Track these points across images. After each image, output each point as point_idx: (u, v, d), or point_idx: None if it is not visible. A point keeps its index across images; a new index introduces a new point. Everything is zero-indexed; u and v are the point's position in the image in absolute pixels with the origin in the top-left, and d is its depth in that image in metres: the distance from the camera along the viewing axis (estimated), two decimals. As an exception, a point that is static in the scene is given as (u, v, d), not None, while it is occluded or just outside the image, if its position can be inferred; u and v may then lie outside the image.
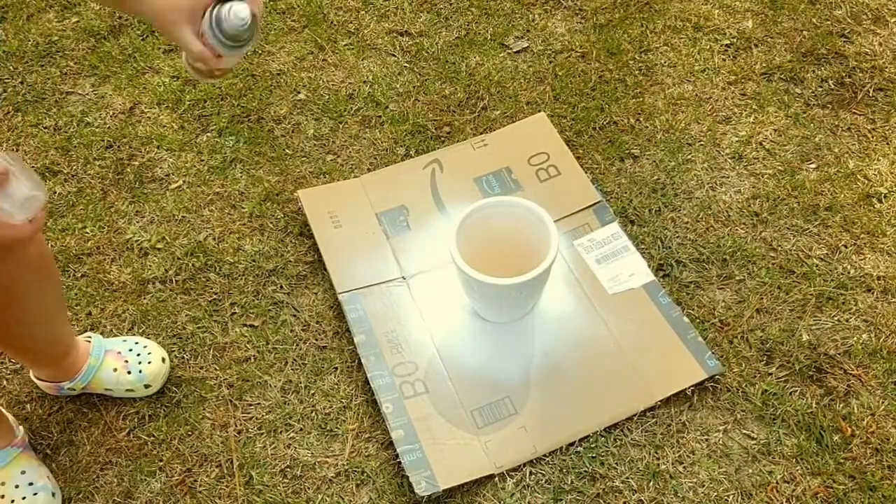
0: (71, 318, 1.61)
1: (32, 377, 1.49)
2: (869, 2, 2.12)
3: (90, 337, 1.49)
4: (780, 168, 1.80)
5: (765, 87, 1.95)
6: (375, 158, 1.86)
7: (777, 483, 1.36)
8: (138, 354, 1.48)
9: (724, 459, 1.40)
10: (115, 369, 1.46)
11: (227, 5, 0.88)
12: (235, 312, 1.62)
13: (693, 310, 1.58)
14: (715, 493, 1.36)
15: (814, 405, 1.44)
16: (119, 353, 1.48)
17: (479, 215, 1.52)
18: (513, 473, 1.39)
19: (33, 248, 1.19)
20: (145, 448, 1.45)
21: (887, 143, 1.83)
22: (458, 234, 1.48)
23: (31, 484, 1.34)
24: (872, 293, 1.58)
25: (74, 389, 1.46)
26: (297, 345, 1.57)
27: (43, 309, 1.30)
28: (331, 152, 1.88)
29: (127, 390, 1.48)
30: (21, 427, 1.41)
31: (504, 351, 1.54)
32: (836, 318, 1.55)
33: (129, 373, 1.46)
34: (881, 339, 1.52)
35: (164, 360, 1.50)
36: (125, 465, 1.43)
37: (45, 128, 1.94)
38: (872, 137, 1.84)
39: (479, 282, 1.42)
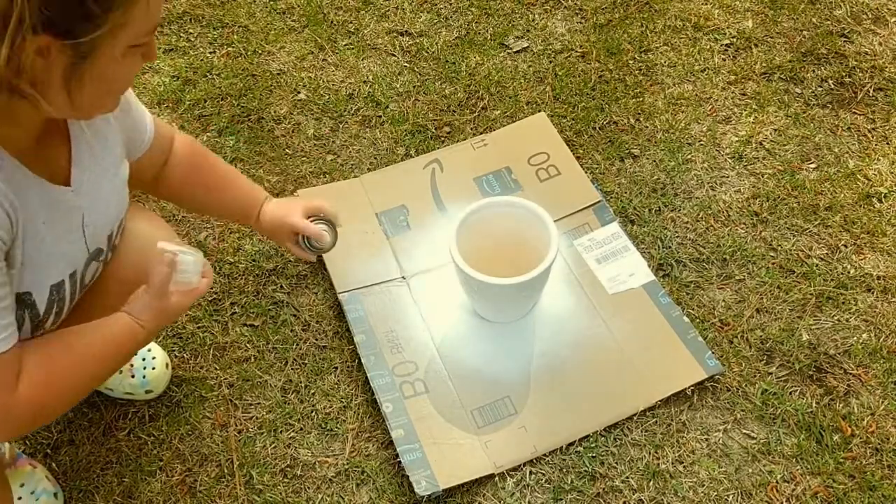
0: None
1: None
2: (869, 2, 2.12)
3: None
4: (780, 168, 1.80)
5: (765, 87, 1.95)
6: (375, 158, 1.86)
7: (777, 483, 1.36)
8: (143, 359, 1.49)
9: (724, 459, 1.40)
10: (121, 371, 1.47)
11: (316, 240, 1.36)
12: (235, 312, 1.62)
13: (693, 310, 1.58)
14: (715, 493, 1.36)
15: (814, 405, 1.44)
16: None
17: (479, 215, 1.52)
18: (513, 473, 1.39)
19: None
20: (145, 448, 1.45)
21: (887, 143, 1.83)
22: (458, 233, 1.48)
23: (32, 492, 1.35)
24: (872, 293, 1.58)
25: None
26: (297, 345, 1.57)
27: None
28: (331, 152, 1.88)
29: (126, 393, 1.48)
30: (5, 446, 1.38)
31: (504, 351, 1.54)
32: (836, 318, 1.55)
33: (132, 377, 1.47)
34: (881, 339, 1.52)
35: (167, 365, 1.50)
36: (125, 465, 1.43)
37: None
38: (872, 137, 1.84)
39: (479, 282, 1.42)
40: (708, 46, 2.05)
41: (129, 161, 1.14)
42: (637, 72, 2.01)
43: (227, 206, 1.37)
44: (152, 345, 1.52)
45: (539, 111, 1.91)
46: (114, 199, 1.10)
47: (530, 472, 1.39)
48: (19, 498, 1.34)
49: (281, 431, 1.46)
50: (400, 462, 1.39)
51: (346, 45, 2.11)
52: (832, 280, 1.60)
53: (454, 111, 1.95)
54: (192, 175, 1.29)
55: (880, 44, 2.02)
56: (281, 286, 1.65)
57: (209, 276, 1.15)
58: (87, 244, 1.05)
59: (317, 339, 1.58)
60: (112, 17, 0.81)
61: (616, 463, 1.39)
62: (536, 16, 2.15)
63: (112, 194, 1.09)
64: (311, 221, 1.36)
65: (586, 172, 1.79)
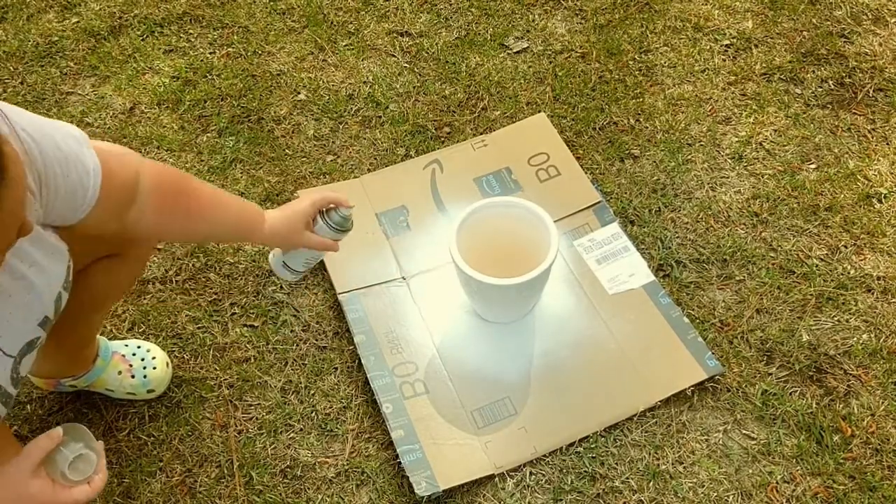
0: (71, 318, 1.62)
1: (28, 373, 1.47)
2: (869, 2, 2.12)
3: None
4: (780, 168, 1.80)
5: (765, 88, 1.95)
6: (375, 158, 1.86)
7: (777, 483, 1.36)
8: (142, 359, 1.49)
9: (724, 459, 1.39)
10: (120, 372, 1.47)
11: (336, 210, 1.26)
12: (235, 312, 1.62)
13: (693, 310, 1.58)
14: (715, 494, 1.36)
15: (814, 405, 1.44)
16: (123, 356, 1.49)
17: (479, 215, 1.52)
18: (513, 473, 1.39)
19: (138, 264, 1.31)
20: (145, 448, 1.45)
21: (887, 144, 1.83)
22: (458, 234, 1.48)
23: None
24: (872, 293, 1.58)
25: (75, 387, 1.46)
26: (297, 345, 1.57)
27: (101, 317, 1.38)
28: (331, 152, 1.88)
29: (128, 393, 1.48)
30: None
31: (504, 351, 1.54)
32: (836, 319, 1.55)
33: (132, 377, 1.47)
34: (881, 340, 1.52)
35: (167, 364, 1.50)
36: (125, 466, 1.43)
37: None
38: (872, 137, 1.84)
39: (479, 282, 1.42)
40: (708, 47, 2.05)
41: (72, 223, 1.01)
42: (637, 72, 2.01)
43: (222, 226, 1.22)
44: (151, 345, 1.52)
45: (539, 111, 1.91)
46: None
47: (530, 473, 1.39)
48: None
49: (281, 432, 1.46)
50: (400, 462, 1.39)
51: (346, 45, 2.11)
52: (832, 281, 1.60)
53: (454, 111, 1.95)
54: (165, 204, 1.11)
55: (880, 44, 2.02)
56: (281, 286, 1.65)
57: (95, 485, 0.98)
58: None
59: (317, 340, 1.58)
60: None
61: (616, 463, 1.39)
62: (536, 16, 2.15)
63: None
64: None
65: (586, 173, 1.79)
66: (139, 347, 1.51)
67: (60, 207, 0.97)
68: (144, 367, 1.48)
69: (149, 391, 1.48)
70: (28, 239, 0.90)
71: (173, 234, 1.30)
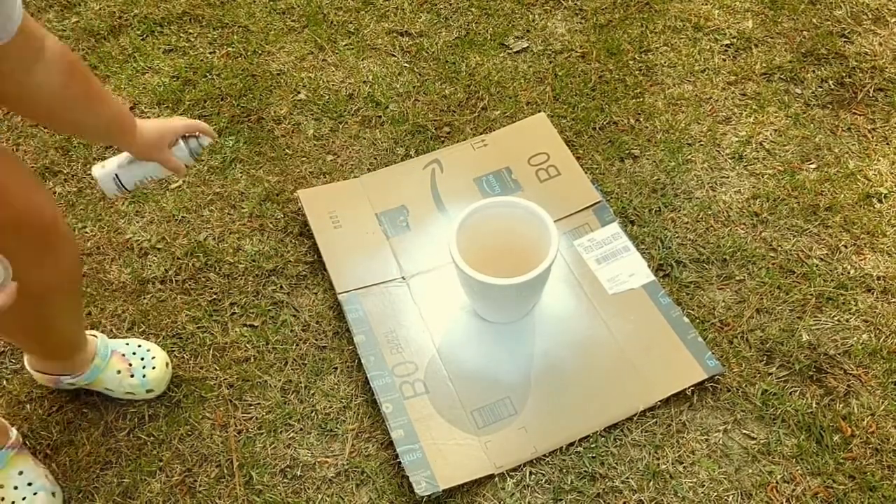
0: (71, 318, 1.62)
1: (29, 367, 1.48)
2: (869, 2, 2.12)
3: (95, 334, 1.49)
4: (780, 168, 1.80)
5: (765, 88, 1.95)
6: (375, 158, 1.86)
7: (777, 483, 1.36)
8: (142, 359, 1.49)
9: (724, 459, 1.40)
10: (119, 371, 1.47)
11: (198, 138, 1.33)
12: (235, 312, 1.62)
13: (693, 310, 1.58)
14: (715, 493, 1.36)
15: (814, 405, 1.44)
16: (123, 355, 1.49)
17: (479, 215, 1.52)
18: (513, 473, 1.39)
19: (67, 257, 1.24)
20: (145, 448, 1.45)
21: (887, 143, 1.83)
22: (458, 234, 1.48)
23: (29, 484, 1.34)
24: (872, 293, 1.58)
25: (74, 385, 1.47)
26: (297, 345, 1.57)
27: (65, 311, 1.32)
28: (331, 152, 1.88)
29: (127, 393, 1.48)
30: (14, 429, 1.40)
31: (504, 351, 1.54)
32: (836, 318, 1.55)
33: (132, 376, 1.47)
34: (881, 339, 1.52)
35: (167, 364, 1.50)
36: (125, 465, 1.43)
37: (45, 128, 1.94)
38: (872, 137, 1.84)
39: (479, 282, 1.42)
40: (708, 47, 2.05)
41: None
42: (637, 72, 2.01)
43: (104, 119, 1.18)
44: (151, 345, 1.52)
45: (539, 111, 1.91)
46: None
47: (530, 473, 1.39)
48: (15, 487, 1.34)
49: (281, 432, 1.46)
50: (400, 462, 1.39)
51: (346, 45, 2.11)
52: (832, 280, 1.60)
53: (454, 111, 1.95)
54: (71, 80, 1.08)
55: (880, 44, 2.02)
56: (281, 286, 1.65)
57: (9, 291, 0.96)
58: None
59: (317, 340, 1.58)
60: None
61: (616, 463, 1.39)
62: (536, 16, 2.15)
63: None
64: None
65: (586, 173, 1.79)
66: (139, 347, 1.50)
67: None
68: (144, 367, 1.47)
69: (148, 391, 1.48)
70: None
71: (63, 114, 1.18)
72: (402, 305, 1.60)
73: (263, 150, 1.89)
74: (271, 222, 1.76)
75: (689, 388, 1.46)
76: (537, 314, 1.58)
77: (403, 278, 1.65)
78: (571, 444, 1.42)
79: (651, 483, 1.37)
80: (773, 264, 1.63)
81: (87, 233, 1.75)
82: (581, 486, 1.37)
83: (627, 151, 1.84)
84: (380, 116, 1.94)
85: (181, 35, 2.14)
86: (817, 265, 1.63)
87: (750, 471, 1.38)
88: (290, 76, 2.04)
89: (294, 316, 1.61)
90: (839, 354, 1.50)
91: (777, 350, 1.51)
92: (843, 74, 1.96)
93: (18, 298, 1.00)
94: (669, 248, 1.67)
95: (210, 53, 2.10)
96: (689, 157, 1.83)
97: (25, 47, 1.00)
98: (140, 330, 1.59)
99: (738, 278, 1.62)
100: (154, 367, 1.48)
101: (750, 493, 1.36)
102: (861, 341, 1.52)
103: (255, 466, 1.42)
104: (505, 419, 1.45)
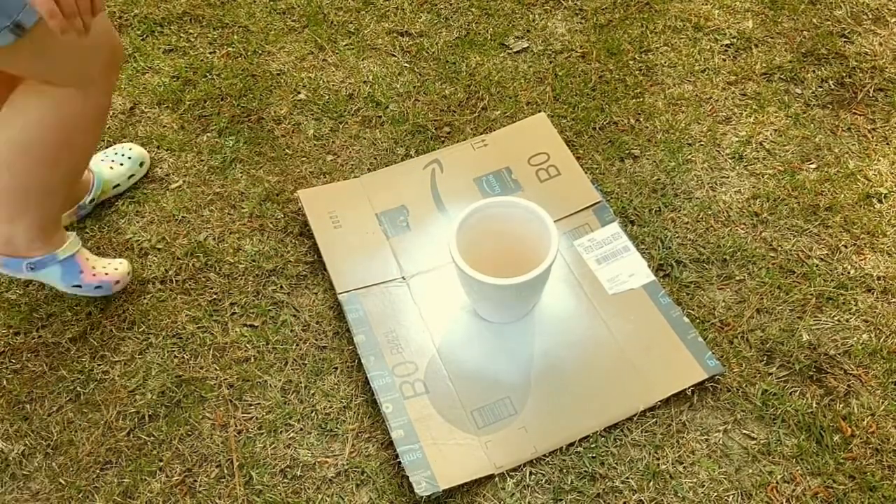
0: (70, 317, 1.62)
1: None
2: (869, 2, 2.12)
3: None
4: (780, 168, 1.80)
5: (765, 87, 1.95)
6: (375, 158, 1.86)
7: (777, 483, 1.36)
8: (120, 153, 1.79)
9: (724, 459, 1.40)
10: (111, 167, 1.76)
11: None
12: (235, 312, 1.62)
13: (693, 310, 1.58)
14: (715, 493, 1.36)
15: (814, 405, 1.44)
16: (102, 160, 1.78)
17: (479, 215, 1.52)
18: (513, 473, 1.39)
19: (116, 82, 1.47)
20: (145, 448, 1.45)
21: (887, 143, 1.83)
22: (458, 234, 1.48)
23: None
24: (872, 293, 1.59)
25: (94, 200, 1.74)
26: (297, 345, 1.57)
27: (101, 124, 1.52)
28: (331, 152, 1.88)
29: (129, 177, 1.78)
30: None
31: (504, 351, 1.54)
32: (836, 318, 1.55)
33: (122, 165, 1.77)
34: (881, 339, 1.52)
35: (144, 149, 1.82)
36: (125, 465, 1.43)
37: None
38: (872, 137, 1.84)
39: (479, 282, 1.42)
40: (708, 47, 2.05)
41: None
42: (637, 72, 2.01)
43: None
44: (119, 145, 1.81)
45: (539, 111, 1.91)
46: None
47: (530, 473, 1.39)
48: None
49: (281, 432, 1.46)
50: (400, 462, 1.39)
51: (346, 45, 2.11)
52: (832, 280, 1.60)
53: (454, 111, 1.95)
54: None
55: (880, 44, 2.02)
56: (281, 286, 1.65)
57: None
58: None
59: (317, 340, 1.58)
60: None
61: (616, 463, 1.39)
62: (536, 16, 2.15)
63: None
64: None
65: (586, 173, 1.79)
66: (115, 152, 1.79)
67: None
68: (123, 154, 1.78)
69: (140, 164, 1.80)
70: None
71: None
72: (402, 305, 1.60)
73: (263, 150, 1.89)
74: (271, 222, 1.76)
75: (689, 388, 1.46)
76: (537, 314, 1.58)
77: (403, 278, 1.65)
78: (571, 444, 1.42)
79: (651, 483, 1.37)
80: (774, 264, 1.63)
81: (86, 232, 1.75)
82: (581, 486, 1.37)
83: (627, 151, 1.84)
84: (380, 116, 1.94)
85: (181, 35, 2.14)
86: (817, 265, 1.63)
87: (750, 471, 1.38)
88: (290, 76, 2.04)
89: (294, 316, 1.61)
90: (839, 354, 1.50)
91: (777, 350, 1.52)
92: (844, 74, 1.96)
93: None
94: (669, 248, 1.67)
95: (210, 53, 2.10)
96: (690, 157, 1.83)
97: None
98: (140, 330, 1.59)
99: (738, 278, 1.62)
100: (131, 149, 1.80)
101: (750, 494, 1.36)
102: (861, 341, 1.52)
103: (255, 466, 1.42)
104: (505, 419, 1.45)
